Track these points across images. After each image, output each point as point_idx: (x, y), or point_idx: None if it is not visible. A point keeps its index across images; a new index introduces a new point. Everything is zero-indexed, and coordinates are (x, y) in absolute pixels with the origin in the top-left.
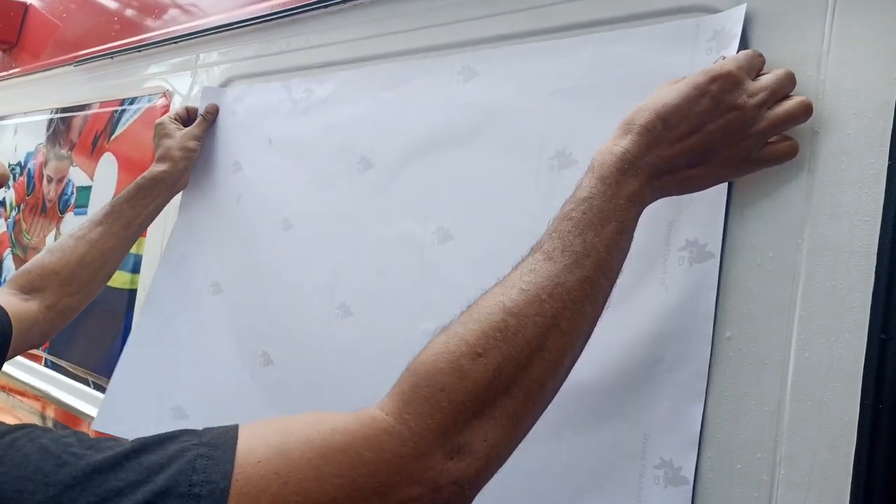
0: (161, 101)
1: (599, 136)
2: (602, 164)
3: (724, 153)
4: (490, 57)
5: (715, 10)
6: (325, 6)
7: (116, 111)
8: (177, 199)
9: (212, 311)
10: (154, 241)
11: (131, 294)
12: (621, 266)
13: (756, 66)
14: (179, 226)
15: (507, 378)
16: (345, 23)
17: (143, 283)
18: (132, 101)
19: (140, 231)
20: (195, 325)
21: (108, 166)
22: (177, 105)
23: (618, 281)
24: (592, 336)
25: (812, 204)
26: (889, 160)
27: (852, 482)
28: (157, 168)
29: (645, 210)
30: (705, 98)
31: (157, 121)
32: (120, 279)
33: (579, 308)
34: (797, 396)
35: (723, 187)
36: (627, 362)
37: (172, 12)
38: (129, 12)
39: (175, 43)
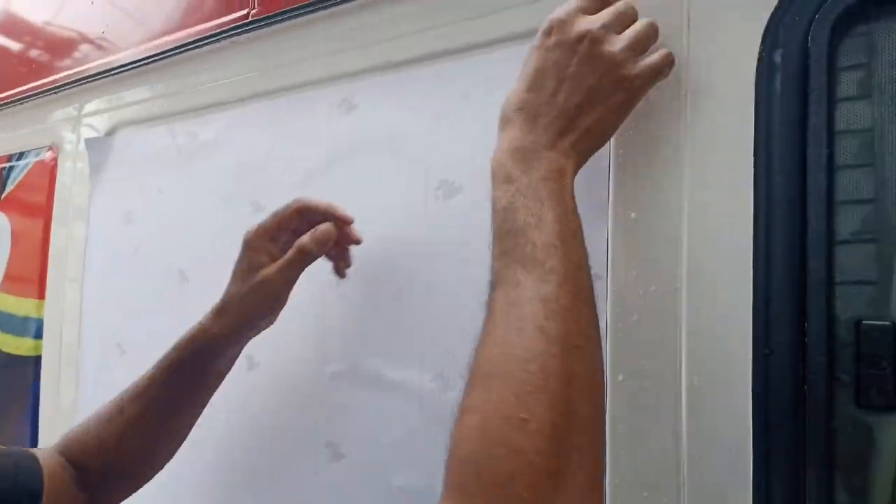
0: (49, 154)
1: (483, 160)
2: (501, 166)
3: (603, 85)
4: (368, 87)
5: None
6: (199, 46)
7: (4, 168)
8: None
9: (119, 375)
10: (54, 304)
11: (36, 360)
12: (583, 242)
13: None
14: (85, 281)
15: (561, 427)
16: (222, 62)
17: (49, 347)
18: (19, 156)
19: (194, 413)
20: (107, 386)
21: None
22: (67, 154)
23: None
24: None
25: (685, 219)
26: (753, 170)
27: (753, 498)
28: (213, 321)
29: None
30: (549, 51)
31: (245, 235)
32: (23, 345)
33: (576, 311)
34: (692, 416)
35: (601, 210)
36: None
37: (53, 61)
38: (7, 64)
39: (57, 92)
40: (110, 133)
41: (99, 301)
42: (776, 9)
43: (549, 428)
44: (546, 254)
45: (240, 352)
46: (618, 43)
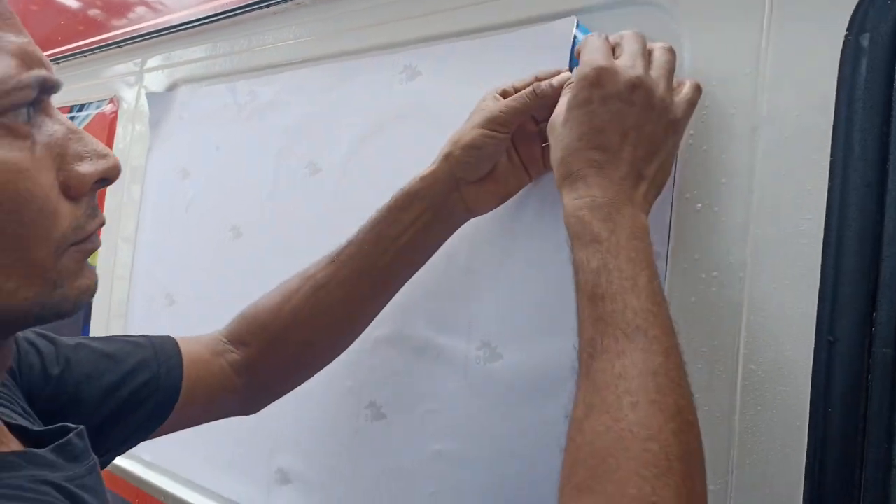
0: (109, 108)
1: None
2: (583, 223)
3: (660, 132)
4: (433, 55)
5: None
6: (267, 6)
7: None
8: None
9: (166, 322)
10: (106, 260)
11: (88, 307)
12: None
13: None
14: (137, 235)
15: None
16: (288, 23)
17: (99, 300)
18: (80, 107)
19: (389, 277)
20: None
21: None
22: (126, 110)
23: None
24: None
25: (754, 205)
26: (831, 155)
27: (804, 489)
28: (421, 172)
29: None
30: (605, 104)
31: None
32: None
33: (683, 384)
34: (746, 402)
35: (666, 196)
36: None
37: (118, 16)
38: (74, 17)
39: (120, 47)
40: (171, 89)
41: (151, 252)
42: None
43: None
44: (646, 321)
45: (449, 227)
46: (661, 85)
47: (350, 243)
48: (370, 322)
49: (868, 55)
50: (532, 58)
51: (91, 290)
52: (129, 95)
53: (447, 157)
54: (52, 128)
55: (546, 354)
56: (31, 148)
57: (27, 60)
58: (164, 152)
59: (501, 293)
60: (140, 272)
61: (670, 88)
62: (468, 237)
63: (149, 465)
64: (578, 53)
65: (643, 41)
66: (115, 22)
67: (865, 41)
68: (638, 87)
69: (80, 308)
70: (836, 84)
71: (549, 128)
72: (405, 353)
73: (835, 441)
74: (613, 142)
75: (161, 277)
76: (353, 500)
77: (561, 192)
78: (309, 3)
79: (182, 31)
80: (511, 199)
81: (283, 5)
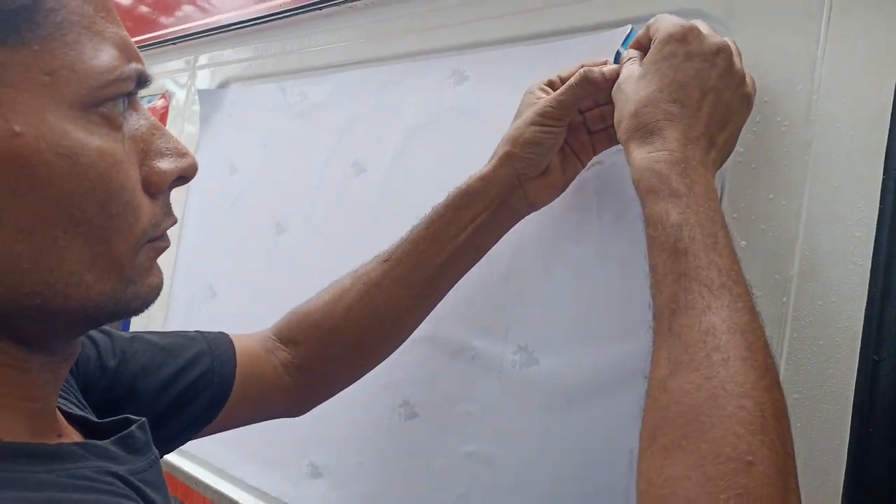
0: (160, 102)
1: None
2: (660, 177)
3: (735, 101)
4: (482, 60)
5: None
6: (320, 8)
7: None
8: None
9: (207, 315)
10: None
11: None
12: None
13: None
14: (182, 228)
15: (784, 471)
16: (339, 25)
17: None
18: None
19: (445, 274)
20: (194, 328)
21: None
22: (176, 106)
23: (599, 290)
24: (571, 352)
25: (804, 218)
26: (883, 173)
27: None
28: (479, 170)
29: (632, 219)
30: (689, 61)
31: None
32: None
33: (768, 342)
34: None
35: None
36: (608, 377)
37: (171, 14)
38: (127, 15)
39: (174, 44)
40: (222, 86)
41: (196, 246)
42: None
43: (774, 471)
44: (730, 279)
45: (509, 224)
46: (738, 59)
47: (404, 241)
48: (421, 321)
49: None
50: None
51: (159, 287)
52: (179, 91)
53: (508, 157)
54: (138, 122)
55: (583, 363)
56: (122, 140)
57: (127, 52)
58: (212, 148)
59: (541, 299)
60: (183, 265)
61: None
62: (510, 241)
63: (181, 452)
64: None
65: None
66: (169, 19)
67: None
68: (723, 50)
69: (148, 306)
70: (893, 100)
71: (615, 90)
72: (441, 353)
73: (875, 462)
74: (694, 98)
75: (204, 270)
76: (382, 496)
77: (628, 147)
78: (361, 7)
79: (234, 31)
80: (556, 205)
81: (335, 7)
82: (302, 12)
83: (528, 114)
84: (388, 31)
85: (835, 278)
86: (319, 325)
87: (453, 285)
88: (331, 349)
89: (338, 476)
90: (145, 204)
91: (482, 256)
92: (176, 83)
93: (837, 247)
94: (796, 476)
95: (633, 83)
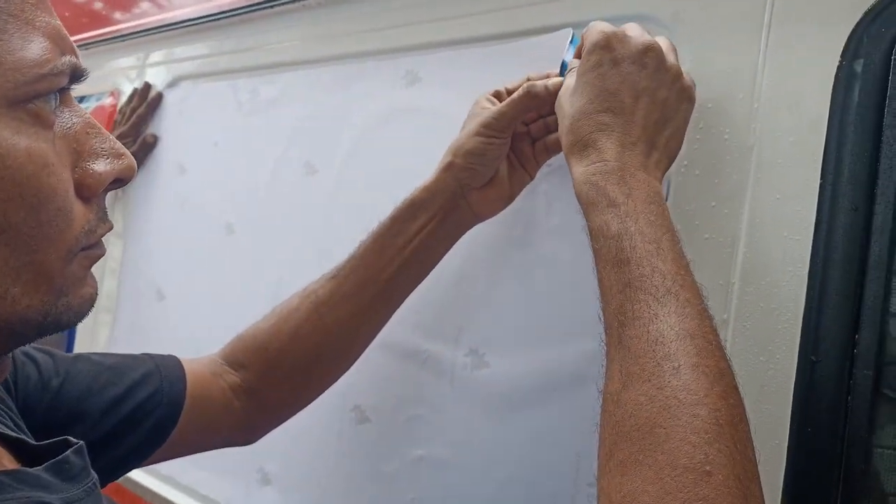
0: (109, 100)
1: None
2: (597, 189)
3: (672, 98)
4: (434, 62)
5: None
6: (273, 6)
7: None
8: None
9: (156, 319)
10: None
11: None
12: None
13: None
14: (129, 229)
15: (743, 478)
16: (293, 23)
17: None
18: (81, 99)
19: (394, 289)
20: (141, 331)
21: None
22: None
23: (549, 293)
24: (521, 355)
25: (745, 223)
26: (821, 178)
27: None
28: (424, 182)
29: (581, 220)
30: (616, 66)
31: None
32: None
33: (721, 346)
34: None
35: None
36: (557, 380)
37: (123, 10)
38: (79, 10)
39: (125, 40)
40: (172, 84)
41: (143, 247)
42: (861, 19)
43: (733, 479)
44: (676, 283)
45: (456, 234)
46: (672, 52)
47: (351, 258)
48: (373, 338)
49: (861, 80)
50: (529, 68)
51: (93, 299)
52: (129, 89)
53: (450, 167)
54: (71, 120)
55: (533, 365)
56: (53, 140)
57: (61, 44)
58: (161, 147)
59: (492, 302)
60: (130, 267)
61: (677, 60)
62: (461, 245)
63: None
64: (579, 52)
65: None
66: (120, 16)
67: (859, 67)
68: (650, 49)
69: (82, 319)
70: (829, 108)
71: (556, 105)
72: (392, 357)
73: (814, 461)
74: (626, 104)
75: (152, 272)
76: (333, 503)
77: (570, 163)
78: (314, 6)
79: (187, 28)
80: (506, 210)
81: (290, 6)
82: (256, 10)
83: (472, 124)
84: (342, 30)
85: (775, 282)
86: (267, 347)
87: (404, 299)
88: (279, 371)
89: (288, 483)
90: (78, 209)
91: (431, 268)
92: (126, 80)
93: (777, 252)
94: (758, 480)
95: (568, 97)
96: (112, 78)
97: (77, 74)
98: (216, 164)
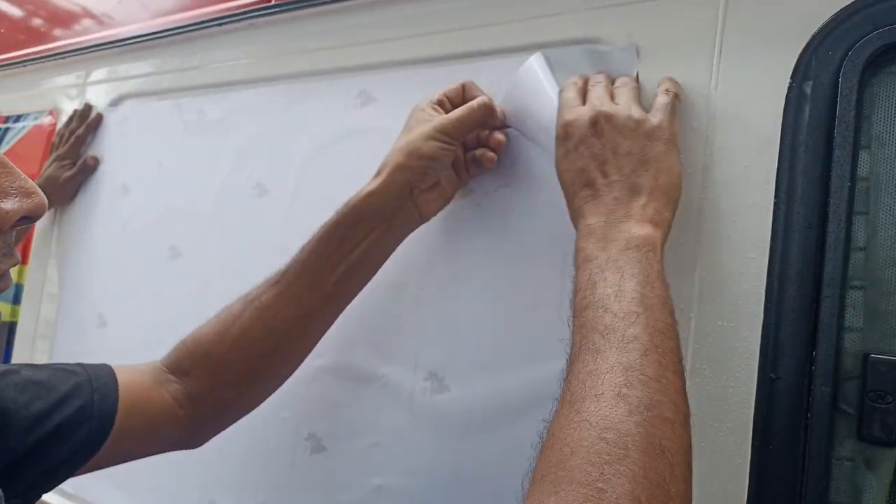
0: (48, 119)
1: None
2: (579, 251)
3: (639, 145)
4: (388, 81)
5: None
6: (221, 24)
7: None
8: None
9: (97, 346)
10: (35, 277)
11: (11, 326)
12: (672, 310)
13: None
14: (69, 254)
15: (651, 500)
16: (240, 42)
17: (26, 318)
18: (17, 118)
19: (341, 292)
20: (82, 359)
21: None
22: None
23: (509, 316)
24: (481, 378)
25: (702, 243)
26: (774, 197)
27: None
28: (368, 186)
29: (540, 241)
30: (578, 149)
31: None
32: (3, 310)
33: (664, 381)
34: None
35: None
36: (520, 401)
37: (63, 26)
38: (14, 26)
39: (64, 58)
40: (114, 104)
41: (84, 271)
42: (810, 42)
43: (629, 500)
44: (626, 321)
45: (402, 236)
46: (623, 108)
47: (295, 262)
48: (317, 342)
49: (811, 102)
50: (488, 89)
51: None
52: (69, 108)
53: (401, 168)
54: None
55: (494, 388)
56: None
57: None
58: (103, 167)
59: (451, 325)
60: (70, 291)
61: (637, 106)
62: (419, 267)
63: (69, 496)
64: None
65: (607, 80)
66: (60, 32)
67: (808, 88)
68: (597, 119)
69: None
70: (781, 129)
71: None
72: (348, 382)
73: (775, 478)
74: (596, 175)
75: (93, 297)
76: None
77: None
78: (263, 24)
79: (129, 45)
80: (463, 232)
81: (236, 24)
82: (202, 28)
83: (425, 129)
84: (292, 49)
85: (732, 301)
86: (209, 353)
87: (349, 303)
88: (223, 377)
89: None
90: None
91: (377, 271)
92: (66, 99)
93: (734, 270)
94: (684, 477)
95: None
96: (51, 96)
97: None
98: (161, 185)
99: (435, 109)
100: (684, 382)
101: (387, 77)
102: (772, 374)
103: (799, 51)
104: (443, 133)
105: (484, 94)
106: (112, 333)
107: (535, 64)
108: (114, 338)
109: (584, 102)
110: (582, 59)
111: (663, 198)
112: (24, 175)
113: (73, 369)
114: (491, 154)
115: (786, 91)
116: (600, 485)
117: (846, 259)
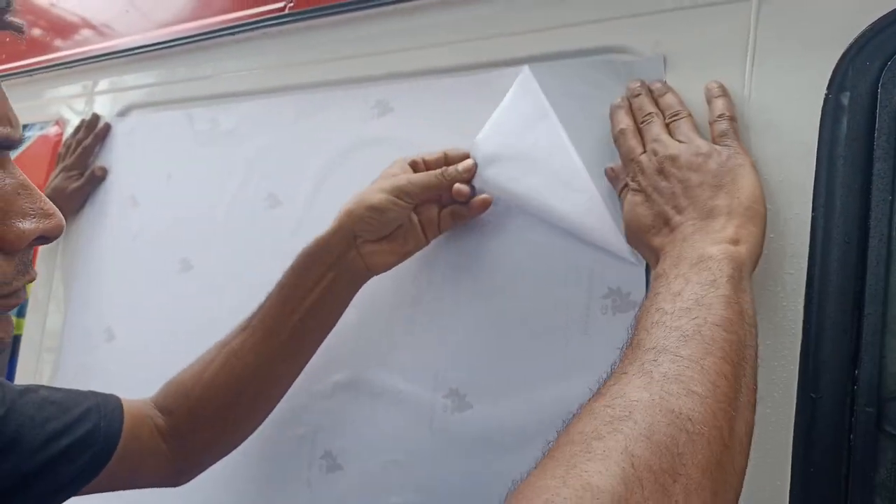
0: (54, 130)
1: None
2: (657, 281)
3: (711, 171)
4: (407, 92)
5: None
6: (232, 33)
7: None
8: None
9: (105, 359)
10: (41, 290)
11: (15, 339)
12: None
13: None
14: (75, 265)
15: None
16: (253, 51)
17: (31, 329)
18: (24, 126)
19: (298, 340)
20: (89, 373)
21: None
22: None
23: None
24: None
25: None
26: (812, 210)
27: None
28: (322, 233)
29: (564, 257)
30: (646, 199)
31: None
32: None
33: (704, 362)
34: None
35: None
36: (540, 422)
37: (69, 36)
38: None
39: (70, 67)
40: (122, 114)
41: (92, 283)
42: (846, 52)
43: (618, 454)
44: (674, 316)
45: (352, 286)
46: (686, 145)
47: (260, 308)
48: (286, 389)
49: (849, 113)
50: (496, 99)
51: (3, 343)
52: (76, 119)
53: (348, 215)
54: (3, 181)
55: (518, 406)
56: None
57: None
58: (111, 178)
59: (473, 342)
60: (77, 303)
61: (698, 137)
62: (437, 282)
63: None
64: None
65: (652, 103)
66: (66, 42)
67: (846, 99)
68: (663, 167)
69: None
70: (818, 140)
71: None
72: (366, 399)
73: (816, 502)
74: (672, 213)
75: (101, 310)
76: None
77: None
78: (276, 34)
79: (138, 55)
80: (485, 248)
81: (249, 34)
82: (214, 37)
83: (386, 182)
84: (307, 58)
85: (771, 319)
86: (188, 394)
87: (314, 349)
88: (199, 419)
89: None
90: None
91: (337, 318)
92: (72, 110)
93: (771, 286)
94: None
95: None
96: (56, 106)
97: (7, 144)
98: (171, 197)
99: (404, 169)
100: (743, 371)
101: (405, 87)
102: (812, 394)
103: (835, 61)
104: (397, 190)
105: (470, 161)
106: (120, 346)
107: (520, 89)
108: (122, 350)
109: (635, 127)
110: (607, 71)
111: (745, 213)
112: (44, 197)
113: (86, 394)
114: (463, 211)
115: (822, 102)
116: (592, 441)
117: (888, 274)
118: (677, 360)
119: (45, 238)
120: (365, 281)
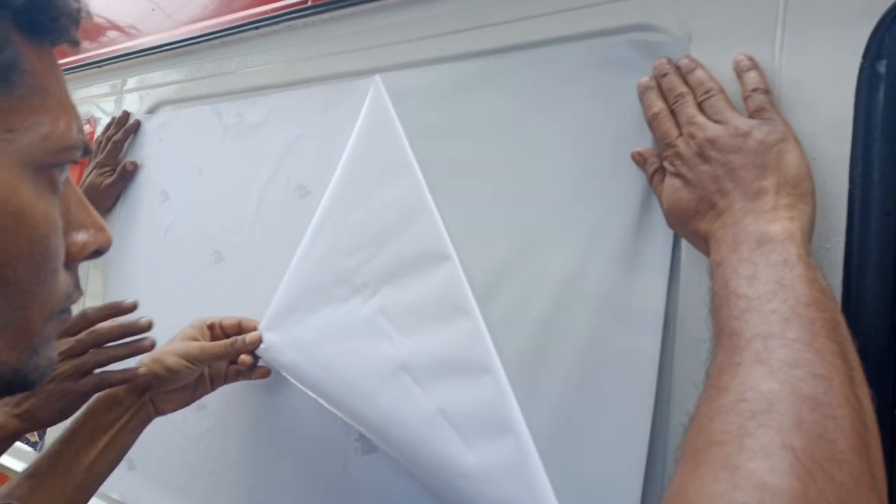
0: (86, 128)
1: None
2: (711, 260)
3: (747, 158)
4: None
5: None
6: (257, 27)
7: None
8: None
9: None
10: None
11: None
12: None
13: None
14: (111, 261)
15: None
16: (277, 45)
17: None
18: None
19: (96, 473)
20: (126, 366)
21: None
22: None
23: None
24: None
25: None
26: (849, 182)
27: None
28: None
29: None
30: (687, 183)
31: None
32: None
33: (814, 343)
34: None
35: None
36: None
37: (98, 35)
38: None
39: (99, 66)
40: (152, 110)
41: (125, 279)
42: (882, 18)
43: (777, 448)
44: (762, 300)
45: (142, 424)
46: (723, 125)
47: (46, 454)
48: None
49: (886, 81)
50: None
51: (54, 363)
52: (105, 117)
53: (147, 366)
54: (68, 192)
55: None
56: (58, 206)
57: (78, 123)
58: (142, 174)
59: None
60: (113, 298)
61: (735, 115)
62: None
63: (114, 502)
64: None
65: (682, 83)
66: (94, 43)
67: (882, 67)
68: (702, 149)
69: (41, 382)
70: (854, 110)
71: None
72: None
73: None
74: (717, 197)
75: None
76: None
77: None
78: (300, 26)
79: (165, 52)
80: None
81: (274, 27)
82: (239, 32)
83: (180, 346)
84: (330, 50)
85: None
86: None
87: (104, 479)
88: None
89: None
90: (63, 273)
91: (125, 454)
92: (101, 109)
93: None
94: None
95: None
96: (86, 106)
97: (86, 150)
98: (201, 191)
99: (202, 332)
100: (848, 348)
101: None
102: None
103: (870, 28)
104: (189, 356)
105: (256, 334)
106: (157, 339)
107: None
108: (159, 343)
109: (668, 108)
110: (632, 52)
111: (794, 192)
112: (95, 211)
113: None
114: (246, 374)
115: (857, 71)
116: (744, 439)
117: None
118: (789, 343)
119: (98, 252)
120: (153, 420)
